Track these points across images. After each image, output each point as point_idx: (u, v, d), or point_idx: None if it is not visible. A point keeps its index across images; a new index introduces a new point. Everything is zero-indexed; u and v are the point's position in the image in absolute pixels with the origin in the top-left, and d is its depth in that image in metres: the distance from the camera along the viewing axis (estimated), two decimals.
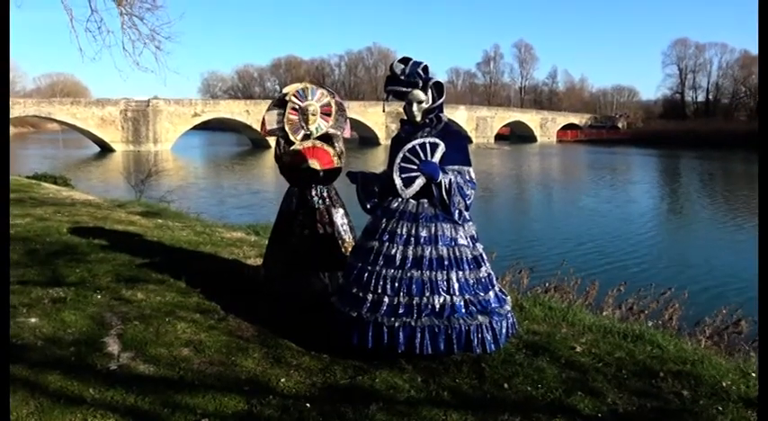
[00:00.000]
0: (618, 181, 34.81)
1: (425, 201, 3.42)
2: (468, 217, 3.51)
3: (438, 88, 3.50)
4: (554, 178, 37.54)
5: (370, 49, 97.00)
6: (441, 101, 3.51)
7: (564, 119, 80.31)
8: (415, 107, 3.48)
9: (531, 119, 77.33)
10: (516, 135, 75.36)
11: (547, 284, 8.50)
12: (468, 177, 3.46)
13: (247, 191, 26.60)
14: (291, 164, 4.46)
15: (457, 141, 3.51)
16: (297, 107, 4.45)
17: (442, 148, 3.40)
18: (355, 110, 57.61)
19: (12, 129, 72.72)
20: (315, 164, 4.37)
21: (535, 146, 68.21)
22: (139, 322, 3.95)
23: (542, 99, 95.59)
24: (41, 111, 48.47)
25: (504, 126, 75.10)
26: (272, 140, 5.07)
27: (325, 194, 4.49)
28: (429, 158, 3.38)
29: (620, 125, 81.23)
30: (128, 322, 3.96)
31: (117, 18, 9.06)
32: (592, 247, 15.53)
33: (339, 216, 4.45)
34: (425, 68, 3.48)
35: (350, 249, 4.25)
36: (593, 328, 4.22)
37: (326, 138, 4.47)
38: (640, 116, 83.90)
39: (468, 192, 3.44)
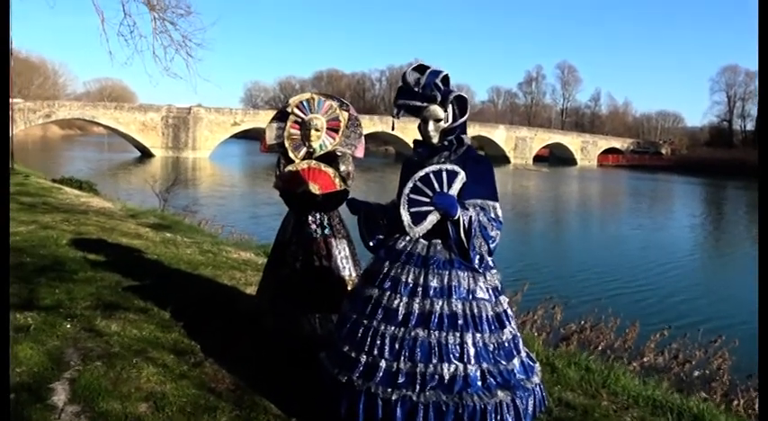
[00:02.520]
0: (660, 210, 33.36)
1: (438, 242, 2.74)
2: (491, 264, 2.80)
3: (461, 104, 2.81)
4: (593, 204, 36.25)
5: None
6: (463, 119, 2.83)
7: (606, 142, 78.50)
8: (431, 126, 2.80)
9: (572, 141, 75.72)
10: (556, 157, 73.81)
11: (582, 322, 7.71)
12: (492, 215, 2.75)
13: (276, 202, 26.24)
14: (285, 188, 3.86)
15: (481, 170, 2.80)
16: (299, 120, 3.86)
17: (461, 178, 2.71)
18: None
19: (59, 131, 75.11)
20: (313, 187, 3.74)
21: (575, 169, 66.58)
22: (102, 363, 3.39)
23: (584, 122, 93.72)
24: (85, 115, 49.37)
25: (544, 147, 73.69)
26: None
27: (325, 222, 3.82)
28: (445, 190, 2.69)
29: (663, 151, 79.01)
30: (89, 362, 3.40)
31: (149, 23, 8.75)
32: (632, 281, 14.53)
33: (340, 248, 3.78)
34: (446, 79, 2.79)
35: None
36: (639, 401, 3.50)
37: (332, 158, 3.83)
38: (685, 143, 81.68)
39: (492, 234, 2.72)
